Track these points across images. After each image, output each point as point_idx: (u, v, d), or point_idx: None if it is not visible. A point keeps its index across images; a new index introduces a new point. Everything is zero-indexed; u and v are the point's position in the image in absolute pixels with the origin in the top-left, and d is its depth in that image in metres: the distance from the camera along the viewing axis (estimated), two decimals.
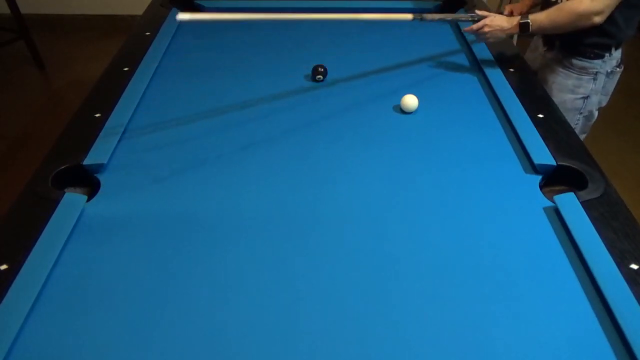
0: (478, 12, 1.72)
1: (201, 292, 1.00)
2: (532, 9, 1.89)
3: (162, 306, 0.97)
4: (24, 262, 1.01)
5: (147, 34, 1.93)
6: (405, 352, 0.89)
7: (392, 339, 0.91)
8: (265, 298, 0.98)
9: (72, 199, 1.18)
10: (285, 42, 1.96)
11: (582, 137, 1.82)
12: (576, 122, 1.80)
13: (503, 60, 1.77)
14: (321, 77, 1.70)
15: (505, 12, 1.86)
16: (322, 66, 1.70)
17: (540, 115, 1.48)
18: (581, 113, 1.80)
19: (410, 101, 1.52)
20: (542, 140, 1.36)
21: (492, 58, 1.78)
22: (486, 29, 1.67)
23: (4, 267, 1.01)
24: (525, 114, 1.48)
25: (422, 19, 1.65)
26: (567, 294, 0.99)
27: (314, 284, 1.01)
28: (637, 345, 0.87)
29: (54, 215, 1.12)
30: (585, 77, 1.74)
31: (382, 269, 1.04)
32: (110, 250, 1.09)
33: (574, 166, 1.28)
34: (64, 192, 1.19)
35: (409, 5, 2.21)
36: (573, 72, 1.75)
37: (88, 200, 1.20)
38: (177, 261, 1.06)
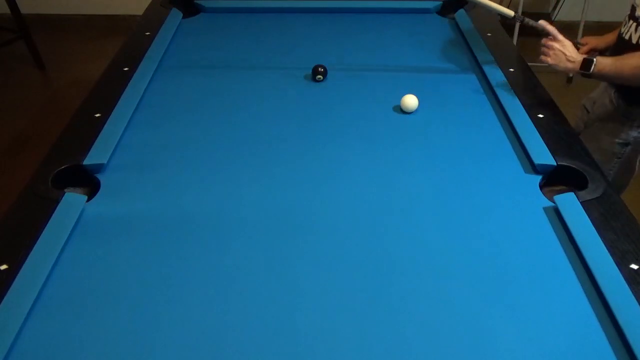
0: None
1: (201, 292, 1.00)
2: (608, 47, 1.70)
3: (162, 306, 0.97)
4: (24, 262, 1.01)
5: (147, 34, 1.93)
6: (405, 352, 0.89)
7: (391, 337, 0.91)
8: (265, 297, 0.99)
9: (72, 199, 1.18)
10: (285, 42, 1.96)
11: (620, 192, 1.64)
12: (612, 166, 1.64)
13: (503, 60, 1.77)
14: (321, 77, 1.70)
15: (580, 40, 1.71)
16: (322, 66, 1.70)
17: (540, 115, 1.48)
18: (619, 158, 1.63)
19: (410, 101, 1.52)
20: (542, 140, 1.36)
21: (492, 58, 1.77)
22: (554, 44, 1.50)
23: (4, 267, 1.01)
24: (525, 113, 1.48)
25: (522, 21, 1.62)
26: (567, 294, 0.99)
27: (313, 283, 1.01)
28: (637, 345, 0.87)
29: (54, 215, 1.12)
30: (628, 123, 1.58)
31: (381, 268, 1.04)
32: (110, 250, 1.09)
33: (574, 166, 1.28)
34: (64, 192, 1.19)
35: (409, 5, 2.21)
36: (617, 113, 1.60)
37: (88, 200, 1.20)
38: (177, 261, 1.06)
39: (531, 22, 1.63)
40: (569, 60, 1.49)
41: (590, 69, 1.46)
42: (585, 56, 1.48)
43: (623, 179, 1.70)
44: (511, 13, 1.60)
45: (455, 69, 1.79)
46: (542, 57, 1.53)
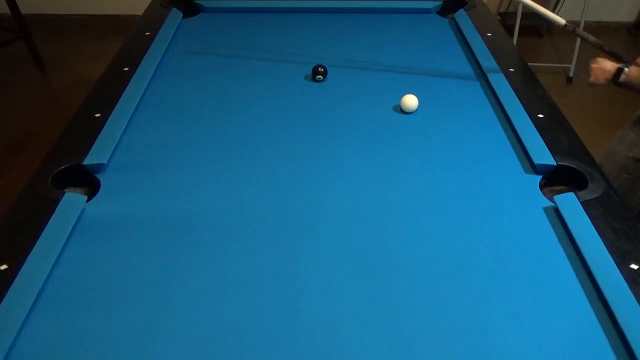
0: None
1: (201, 291, 1.00)
2: None
3: (163, 305, 0.97)
4: (24, 262, 1.01)
5: (147, 34, 1.93)
6: (405, 352, 0.89)
7: (390, 337, 0.91)
8: (265, 296, 0.99)
9: (72, 199, 1.18)
10: (286, 42, 1.96)
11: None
12: (619, 182, 1.59)
13: (503, 60, 1.77)
14: (321, 77, 1.70)
15: None
16: (322, 66, 1.70)
17: (540, 115, 1.48)
18: (629, 174, 1.59)
19: (410, 101, 1.53)
20: (542, 140, 1.36)
21: (492, 58, 1.78)
22: (592, 65, 1.53)
23: (4, 267, 1.01)
24: (525, 114, 1.48)
25: (573, 31, 1.57)
26: (567, 294, 0.99)
27: (313, 282, 1.01)
28: (637, 345, 0.87)
29: (54, 215, 1.13)
30: None
31: (381, 268, 1.04)
32: (110, 250, 1.09)
33: (574, 166, 1.28)
34: (64, 192, 1.19)
35: (409, 5, 2.21)
36: (638, 126, 1.55)
37: (88, 200, 1.20)
38: (177, 261, 1.06)
39: (583, 33, 1.60)
40: (603, 70, 1.50)
41: (619, 77, 1.46)
42: (620, 65, 1.47)
43: (629, 198, 1.62)
44: (562, 21, 1.57)
45: (455, 69, 1.79)
46: (590, 76, 1.55)
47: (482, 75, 1.72)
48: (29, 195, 1.19)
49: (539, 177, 1.28)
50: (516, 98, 1.55)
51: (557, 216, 1.16)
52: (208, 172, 1.31)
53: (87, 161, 1.29)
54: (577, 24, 3.43)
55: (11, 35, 3.56)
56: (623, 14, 4.19)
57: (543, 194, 1.24)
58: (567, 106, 1.75)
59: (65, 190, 1.22)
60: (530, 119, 1.45)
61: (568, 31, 1.57)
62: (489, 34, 1.94)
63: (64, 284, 1.01)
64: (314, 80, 1.70)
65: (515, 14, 3.52)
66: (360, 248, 1.09)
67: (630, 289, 0.96)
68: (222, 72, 1.76)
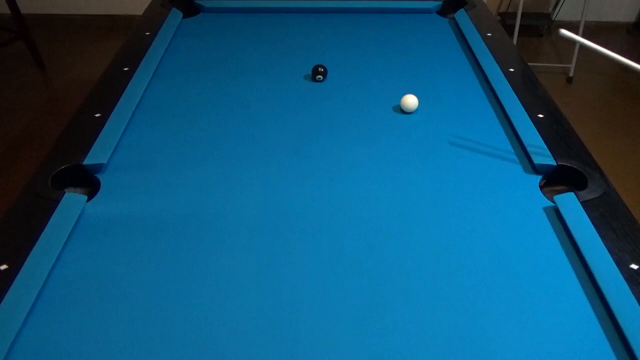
0: None
1: (201, 291, 1.00)
2: None
3: (162, 305, 0.97)
4: (24, 262, 1.01)
5: (147, 34, 1.93)
6: (404, 353, 0.89)
7: (390, 338, 0.91)
8: (264, 297, 0.99)
9: (72, 199, 1.18)
10: (285, 42, 1.96)
11: None
12: None
13: (503, 60, 1.77)
14: (321, 77, 1.70)
15: None
16: (322, 66, 1.70)
17: (540, 115, 1.48)
18: None
19: (410, 101, 1.53)
20: (542, 140, 1.37)
21: (492, 58, 1.78)
22: None
23: (4, 267, 1.01)
24: (525, 114, 1.48)
25: None
26: (567, 294, 0.99)
27: (312, 283, 1.01)
28: (637, 345, 0.87)
29: (54, 215, 1.13)
30: None
31: (380, 269, 1.05)
32: (110, 250, 1.09)
33: (574, 166, 1.28)
34: (64, 192, 1.20)
35: (409, 5, 2.21)
36: None
37: (88, 200, 1.20)
38: (177, 261, 1.06)
39: None
40: None
41: None
42: None
43: None
44: None
45: (455, 69, 1.79)
46: None
47: (482, 75, 1.72)
48: (29, 195, 1.19)
49: (539, 177, 1.28)
50: (516, 98, 1.55)
51: (557, 216, 1.16)
52: (208, 172, 1.31)
53: (87, 161, 1.29)
54: (577, 24, 3.44)
55: (11, 35, 3.57)
56: (623, 14, 4.19)
57: (543, 194, 1.24)
58: (567, 106, 1.75)
59: (65, 190, 1.22)
60: (530, 119, 1.45)
61: None
62: (489, 34, 1.95)
63: (64, 283, 1.01)
64: (314, 80, 1.70)
65: (515, 14, 3.52)
66: (360, 248, 1.09)
67: (630, 289, 0.96)
68: (222, 72, 1.76)
